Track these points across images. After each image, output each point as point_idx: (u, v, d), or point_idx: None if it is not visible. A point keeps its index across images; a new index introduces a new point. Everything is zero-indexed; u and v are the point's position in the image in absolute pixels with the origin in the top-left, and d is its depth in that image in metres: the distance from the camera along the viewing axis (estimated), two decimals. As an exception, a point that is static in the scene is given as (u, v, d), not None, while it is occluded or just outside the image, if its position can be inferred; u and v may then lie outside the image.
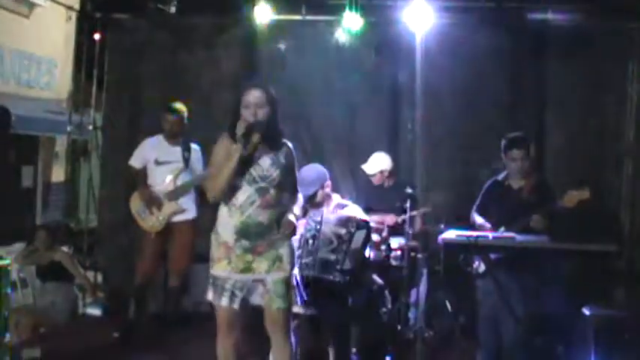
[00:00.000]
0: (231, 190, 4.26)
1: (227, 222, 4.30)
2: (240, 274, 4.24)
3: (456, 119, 7.43)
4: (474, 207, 5.81)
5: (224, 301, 4.25)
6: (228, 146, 4.23)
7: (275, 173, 4.28)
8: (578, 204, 5.13)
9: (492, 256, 5.44)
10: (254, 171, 4.26)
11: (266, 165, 4.28)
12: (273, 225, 4.28)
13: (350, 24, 7.09)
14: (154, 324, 6.65)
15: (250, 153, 4.22)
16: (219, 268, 4.29)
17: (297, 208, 4.51)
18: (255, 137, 4.18)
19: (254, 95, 4.25)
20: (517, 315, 5.32)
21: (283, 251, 4.30)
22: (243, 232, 4.25)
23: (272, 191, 4.28)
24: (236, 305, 4.25)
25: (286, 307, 4.30)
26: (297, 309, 5.12)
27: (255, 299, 4.27)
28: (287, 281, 4.30)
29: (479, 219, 5.68)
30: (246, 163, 4.23)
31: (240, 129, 4.18)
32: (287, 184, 4.41)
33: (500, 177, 5.71)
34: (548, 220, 5.25)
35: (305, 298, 5.12)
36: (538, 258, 5.33)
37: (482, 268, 5.53)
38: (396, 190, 6.72)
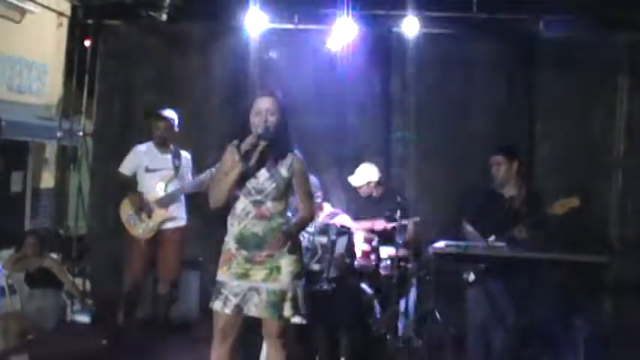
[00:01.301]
0: (232, 200, 4.27)
1: (230, 230, 4.31)
2: (237, 280, 4.23)
3: (447, 129, 7.45)
4: (465, 215, 5.82)
5: (218, 305, 4.24)
6: (234, 157, 4.20)
7: (270, 187, 4.24)
8: (569, 212, 5.15)
9: (482, 265, 5.44)
10: (249, 183, 4.25)
11: (262, 178, 4.25)
12: (269, 237, 4.23)
13: (342, 33, 7.11)
14: (143, 331, 6.61)
15: (253, 165, 4.20)
16: (221, 274, 4.29)
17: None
18: (261, 146, 4.16)
19: (266, 102, 4.24)
20: (507, 325, 5.32)
21: (282, 262, 4.25)
22: (242, 241, 4.24)
23: (269, 204, 4.25)
24: (228, 310, 4.22)
25: (277, 318, 4.26)
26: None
27: (250, 309, 4.23)
28: (282, 293, 4.23)
29: (469, 227, 5.69)
30: (247, 176, 4.23)
31: (246, 145, 4.16)
32: (289, 196, 4.36)
33: (492, 186, 5.72)
34: (534, 232, 5.26)
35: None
36: (528, 268, 5.34)
37: (472, 277, 5.53)
38: (385, 199, 6.73)
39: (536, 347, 5.87)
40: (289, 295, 4.25)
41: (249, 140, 4.16)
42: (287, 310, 4.24)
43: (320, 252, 5.53)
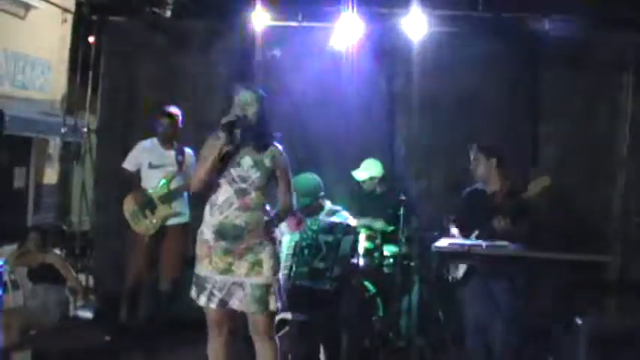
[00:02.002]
0: (213, 188, 4.33)
1: (208, 221, 4.36)
2: (220, 275, 4.28)
3: (451, 128, 7.42)
4: (454, 215, 5.83)
5: (202, 300, 4.32)
6: (214, 143, 4.29)
7: (255, 175, 4.32)
8: (543, 192, 5.16)
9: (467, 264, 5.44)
10: (234, 171, 4.32)
11: (247, 166, 4.33)
12: (250, 228, 4.28)
13: (347, 31, 7.10)
14: (145, 327, 6.61)
15: (233, 148, 4.29)
16: (202, 268, 4.35)
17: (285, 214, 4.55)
18: (238, 132, 4.27)
19: (244, 95, 4.38)
20: (507, 324, 5.31)
21: (263, 256, 4.30)
22: (221, 232, 4.29)
23: (252, 194, 4.31)
24: (213, 305, 4.29)
25: (263, 312, 4.29)
26: (287, 315, 5.12)
27: (235, 303, 4.28)
28: (266, 287, 4.28)
29: (453, 230, 5.70)
30: (227, 159, 4.30)
31: (224, 119, 4.26)
32: (271, 189, 4.44)
33: (478, 185, 5.74)
34: (516, 221, 5.25)
35: (292, 304, 5.09)
36: (530, 267, 5.33)
37: (459, 274, 5.52)
38: (387, 196, 6.73)
39: (538, 347, 5.87)
40: (273, 288, 4.29)
41: (228, 118, 4.27)
42: (272, 304, 4.28)
43: (324, 250, 5.53)
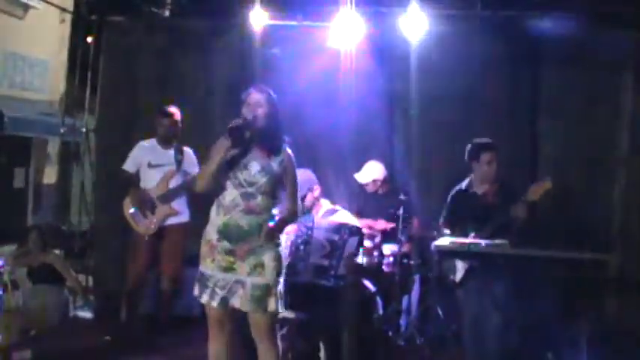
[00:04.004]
0: (220, 189, 4.32)
1: (214, 220, 4.36)
2: (223, 273, 4.28)
3: (451, 126, 7.41)
4: (441, 218, 5.82)
5: (204, 298, 4.31)
6: (223, 144, 4.25)
7: (262, 180, 4.29)
8: (544, 195, 5.18)
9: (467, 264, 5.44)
10: (241, 174, 4.30)
11: (254, 170, 4.30)
12: (254, 231, 4.28)
13: (346, 30, 7.10)
14: (146, 327, 6.61)
15: (240, 151, 4.26)
16: (205, 266, 4.35)
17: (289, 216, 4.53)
18: (246, 134, 4.24)
19: (254, 96, 4.36)
20: (507, 323, 5.31)
21: (265, 258, 4.28)
22: (225, 232, 4.28)
23: (258, 198, 4.29)
24: (215, 303, 4.28)
25: (261, 311, 4.28)
26: (287, 314, 5.12)
27: (235, 301, 4.27)
28: (266, 287, 4.27)
29: (446, 232, 5.70)
30: (235, 161, 4.28)
31: (234, 121, 4.23)
32: (278, 193, 4.42)
33: (464, 185, 5.73)
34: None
35: (291, 302, 5.09)
36: (530, 265, 5.34)
37: (459, 276, 5.52)
38: (389, 197, 6.73)
39: (539, 346, 5.87)
40: (274, 290, 4.29)
41: (235, 122, 4.24)
42: (272, 305, 4.27)
43: (329, 248, 5.54)
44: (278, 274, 4.34)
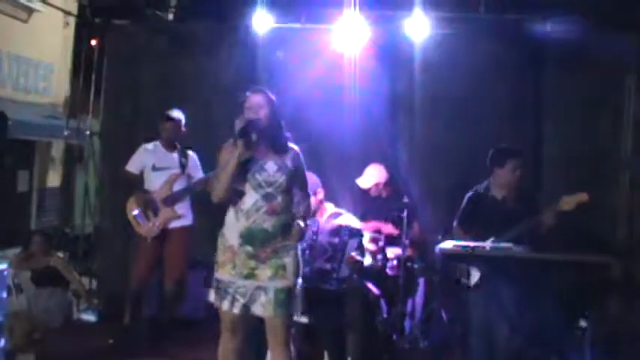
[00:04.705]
0: (238, 194, 4.29)
1: (233, 226, 4.32)
2: (243, 280, 4.25)
3: (454, 130, 7.42)
4: (457, 220, 5.78)
5: (225, 305, 4.27)
6: (233, 150, 4.25)
7: (281, 178, 4.29)
8: (577, 207, 5.15)
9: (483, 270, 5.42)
10: (259, 176, 4.28)
11: (272, 170, 4.30)
12: (277, 232, 4.28)
13: (349, 33, 7.10)
14: (149, 330, 6.61)
15: (251, 153, 4.25)
16: (224, 272, 4.30)
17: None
18: (254, 136, 4.22)
19: (254, 98, 4.36)
20: (512, 326, 5.30)
21: (287, 260, 4.29)
22: (248, 237, 4.25)
23: (279, 197, 4.29)
24: (237, 310, 4.25)
25: (286, 316, 4.29)
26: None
27: (257, 309, 4.25)
28: (289, 291, 4.27)
29: (461, 234, 5.67)
30: (247, 164, 4.26)
31: (238, 125, 4.23)
32: (295, 190, 4.42)
33: (482, 188, 5.70)
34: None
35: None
36: (534, 269, 5.32)
37: (474, 280, 5.50)
38: (393, 200, 6.73)
39: (542, 348, 5.86)
40: (295, 292, 4.29)
41: (240, 123, 4.24)
42: (295, 307, 4.27)
43: (330, 251, 5.54)
44: (297, 276, 4.35)
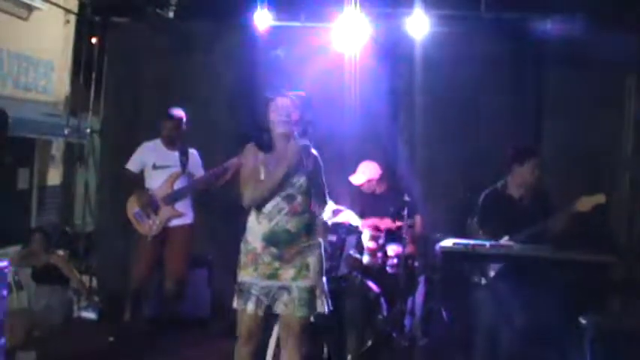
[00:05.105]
0: (252, 200, 4.31)
1: (256, 229, 4.32)
2: (266, 281, 4.25)
3: (454, 127, 7.42)
4: (476, 219, 5.74)
5: (250, 307, 4.25)
6: (257, 156, 4.29)
7: (302, 179, 4.30)
8: (593, 209, 5.15)
9: (494, 268, 5.41)
10: None
11: (292, 171, 4.29)
12: (301, 232, 4.29)
13: (349, 31, 7.09)
14: (149, 328, 6.62)
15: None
16: (246, 275, 4.30)
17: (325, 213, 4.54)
18: (306, 161, 4.28)
19: (281, 102, 4.35)
20: (516, 325, 5.29)
21: (311, 260, 4.29)
22: (272, 239, 4.26)
23: (299, 198, 4.29)
24: (261, 312, 4.25)
25: (308, 315, 4.30)
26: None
27: (279, 307, 4.25)
28: (312, 289, 4.28)
29: (476, 229, 5.65)
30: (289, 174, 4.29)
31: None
32: (315, 190, 4.41)
33: (499, 186, 5.67)
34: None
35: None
36: (536, 267, 5.32)
37: (484, 280, 5.48)
38: (389, 195, 6.74)
39: (543, 347, 5.86)
40: (318, 291, 4.29)
41: (294, 146, 4.24)
42: (320, 306, 4.28)
43: (330, 249, 5.54)
44: (321, 275, 4.35)
